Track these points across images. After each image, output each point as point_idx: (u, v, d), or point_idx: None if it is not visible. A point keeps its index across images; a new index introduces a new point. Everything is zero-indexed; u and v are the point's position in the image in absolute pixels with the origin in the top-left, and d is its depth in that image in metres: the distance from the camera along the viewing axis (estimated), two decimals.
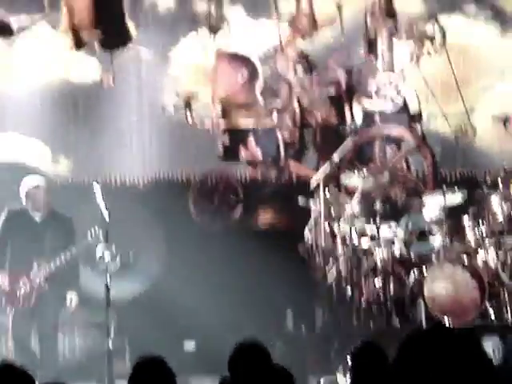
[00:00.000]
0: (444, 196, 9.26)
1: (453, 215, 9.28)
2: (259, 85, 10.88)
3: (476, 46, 11.12)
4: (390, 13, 10.91)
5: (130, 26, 10.36)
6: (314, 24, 10.97)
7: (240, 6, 10.92)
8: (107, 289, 7.94)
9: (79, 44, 10.37)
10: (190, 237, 10.41)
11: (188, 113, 10.72)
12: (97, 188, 8.16)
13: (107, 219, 8.08)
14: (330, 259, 9.52)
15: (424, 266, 9.01)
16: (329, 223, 9.61)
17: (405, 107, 10.96)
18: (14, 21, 10.26)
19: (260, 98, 10.87)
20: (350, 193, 9.93)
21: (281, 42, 10.89)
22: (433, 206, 9.31)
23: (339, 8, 10.92)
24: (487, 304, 8.78)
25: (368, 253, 9.34)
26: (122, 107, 10.79)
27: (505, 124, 9.67)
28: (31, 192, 8.65)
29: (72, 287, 8.56)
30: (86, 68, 10.69)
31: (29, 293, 8.50)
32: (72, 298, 8.55)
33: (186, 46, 10.85)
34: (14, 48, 10.43)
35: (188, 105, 10.71)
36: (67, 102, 10.73)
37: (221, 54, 10.82)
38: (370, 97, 10.84)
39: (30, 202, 8.64)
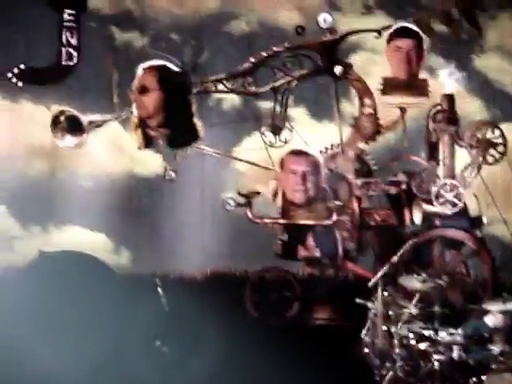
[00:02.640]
0: (505, 303, 9.21)
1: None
2: (320, 184, 11.01)
3: None
4: (453, 119, 11.04)
5: (199, 125, 10.59)
6: (376, 127, 11.14)
7: (303, 107, 11.16)
8: None
9: (147, 143, 10.62)
10: (245, 332, 10.44)
11: (248, 209, 10.86)
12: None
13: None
14: (387, 362, 9.45)
15: (483, 374, 8.90)
16: (386, 325, 9.58)
17: (465, 211, 10.99)
18: (86, 119, 10.56)
19: (320, 198, 10.99)
20: (408, 295, 9.91)
21: (342, 143, 11.06)
22: (494, 312, 9.26)
23: (402, 112, 11.09)
24: None
25: (426, 357, 9.26)
26: (184, 201, 10.98)
27: None
28: None
29: None
30: (150, 161, 10.94)
31: None
32: None
33: (249, 144, 11.07)
34: (84, 145, 10.71)
35: (249, 201, 10.86)
36: (130, 195, 10.95)
37: (285, 152, 11.00)
38: (430, 201, 10.91)
39: None
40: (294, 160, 10.91)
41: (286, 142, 10.98)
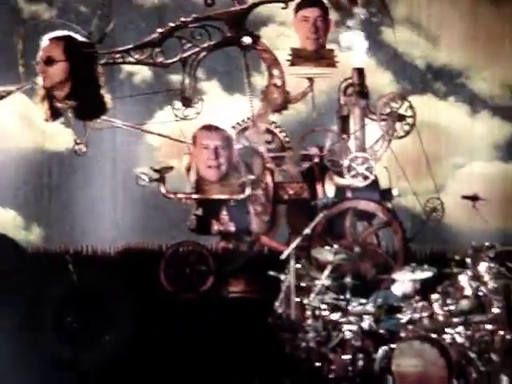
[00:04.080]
0: (414, 272, 9.38)
1: (422, 292, 9.38)
2: (232, 158, 11.01)
3: (446, 125, 11.39)
4: (363, 92, 11.14)
5: (106, 97, 10.46)
6: (285, 98, 11.17)
7: (215, 80, 11.12)
8: None
9: (55, 115, 10.45)
10: (159, 306, 10.42)
11: (161, 184, 10.80)
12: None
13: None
14: (300, 332, 9.54)
15: (393, 342, 9.06)
16: (299, 296, 9.66)
17: (376, 184, 11.13)
18: None
19: (233, 172, 10.99)
20: (320, 267, 10.02)
21: (253, 116, 11.07)
22: (403, 282, 9.43)
23: (311, 82, 11.14)
24: (455, 382, 8.82)
25: (337, 327, 9.38)
26: (96, 176, 10.87)
27: (473, 202, 9.84)
28: None
29: None
30: (59, 136, 10.78)
31: None
32: None
33: (161, 118, 10.99)
34: None
35: (162, 176, 10.80)
36: (41, 171, 10.79)
37: (196, 128, 10.96)
38: (342, 174, 11.01)
39: None
40: (206, 135, 10.87)
41: (197, 115, 10.92)
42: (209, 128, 10.88)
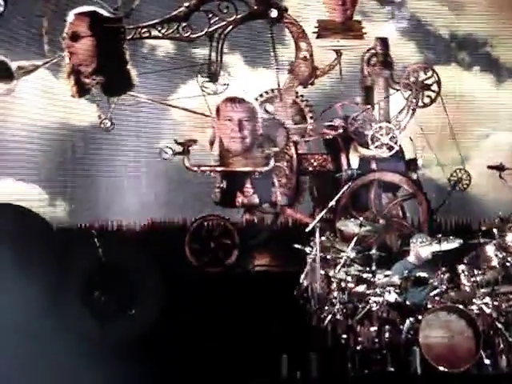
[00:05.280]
0: (439, 243, 9.35)
1: (448, 263, 9.34)
2: (257, 130, 10.98)
3: (471, 95, 11.29)
4: (387, 62, 11.06)
5: (132, 73, 10.46)
6: (313, 71, 11.11)
7: (239, 54, 11.07)
8: None
9: (81, 91, 10.47)
10: (185, 279, 10.45)
11: (186, 158, 10.80)
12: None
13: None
14: (326, 304, 9.54)
15: (419, 314, 9.04)
16: (324, 269, 9.65)
17: (401, 155, 11.07)
18: (14, 65, 10.35)
19: (258, 144, 10.98)
20: (346, 239, 9.99)
21: (279, 89, 11.03)
22: (415, 250, 9.44)
23: (338, 55, 11.07)
24: (482, 353, 8.80)
25: (363, 299, 9.36)
26: (120, 151, 10.87)
27: (499, 172, 9.78)
28: None
29: None
30: (84, 111, 10.79)
31: None
32: None
33: (185, 92, 10.97)
34: (14, 93, 10.51)
35: (186, 150, 10.80)
36: (65, 146, 10.81)
37: (220, 100, 10.93)
38: (367, 145, 10.96)
39: None
40: (230, 107, 10.85)
41: (223, 89, 10.89)
42: (233, 100, 10.85)
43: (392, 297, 9.27)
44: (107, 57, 10.36)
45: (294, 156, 11.14)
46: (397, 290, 9.29)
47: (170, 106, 10.96)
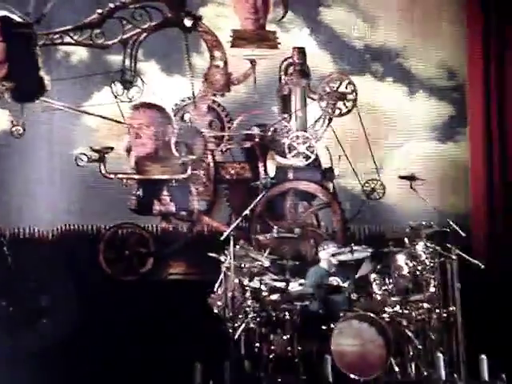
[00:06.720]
0: (352, 252, 9.44)
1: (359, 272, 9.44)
2: (173, 138, 10.95)
3: (384, 106, 11.44)
4: (304, 72, 11.15)
5: (45, 79, 10.33)
6: (228, 80, 11.14)
7: (154, 61, 11.03)
8: None
9: None
10: (99, 288, 10.35)
11: (101, 165, 10.71)
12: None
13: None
14: (240, 313, 9.55)
15: (332, 322, 9.11)
16: (239, 277, 9.66)
17: (317, 164, 11.16)
18: None
19: (174, 152, 10.94)
20: (260, 247, 10.03)
21: (194, 97, 11.02)
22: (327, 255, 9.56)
23: (253, 64, 11.13)
24: (392, 360, 8.91)
25: (277, 307, 9.40)
26: (32, 157, 10.74)
27: (411, 182, 9.91)
28: None
29: None
30: None
31: None
32: None
33: (99, 99, 10.88)
34: None
35: (102, 157, 10.71)
36: None
37: (134, 106, 10.88)
38: (284, 154, 11.02)
39: None
40: (147, 112, 10.81)
41: (137, 97, 10.83)
42: (149, 106, 10.83)
43: (305, 305, 9.34)
44: (18, 62, 10.21)
45: (212, 164, 11.14)
46: (310, 298, 9.37)
47: (84, 112, 10.86)
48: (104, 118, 10.80)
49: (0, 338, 8.43)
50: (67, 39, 10.51)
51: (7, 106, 10.41)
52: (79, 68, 10.90)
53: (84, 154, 10.67)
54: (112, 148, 10.78)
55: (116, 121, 10.76)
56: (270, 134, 11.07)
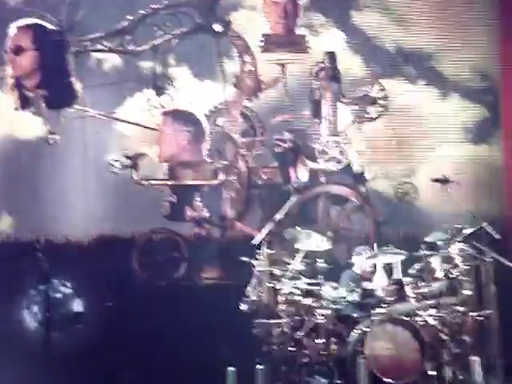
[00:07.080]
0: (386, 255, 9.40)
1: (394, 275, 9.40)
2: (205, 144, 11.00)
3: (417, 108, 11.40)
4: (335, 76, 11.14)
5: (77, 86, 10.43)
6: (258, 84, 11.16)
7: (186, 66, 11.08)
8: None
9: (24, 104, 10.42)
10: (134, 293, 10.42)
11: (134, 171, 10.78)
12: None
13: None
14: (273, 318, 9.55)
15: (366, 326, 9.08)
16: (271, 282, 9.66)
17: (349, 168, 11.14)
18: None
19: (206, 157, 10.98)
20: (293, 251, 10.01)
21: (226, 102, 11.06)
22: (362, 261, 9.52)
23: (283, 68, 11.14)
24: (427, 364, 8.86)
25: (310, 311, 9.39)
26: (66, 164, 10.83)
27: (444, 185, 9.86)
28: None
29: None
30: (30, 125, 10.72)
31: None
32: None
33: (132, 105, 10.95)
34: None
35: (134, 163, 10.77)
36: (10, 159, 10.74)
37: (166, 112, 10.94)
38: (315, 158, 11.03)
39: None
40: (177, 119, 10.87)
41: (169, 103, 10.89)
42: (180, 113, 10.87)
43: (339, 308, 9.32)
44: (51, 70, 10.32)
45: (244, 169, 11.16)
46: (344, 302, 9.35)
47: (116, 119, 10.94)
48: (137, 124, 10.87)
49: (36, 342, 8.50)
50: (99, 46, 10.60)
51: (42, 113, 10.50)
52: (111, 75, 10.97)
53: (117, 161, 10.74)
54: (145, 154, 10.84)
55: (148, 127, 10.82)
56: (301, 138, 11.08)
